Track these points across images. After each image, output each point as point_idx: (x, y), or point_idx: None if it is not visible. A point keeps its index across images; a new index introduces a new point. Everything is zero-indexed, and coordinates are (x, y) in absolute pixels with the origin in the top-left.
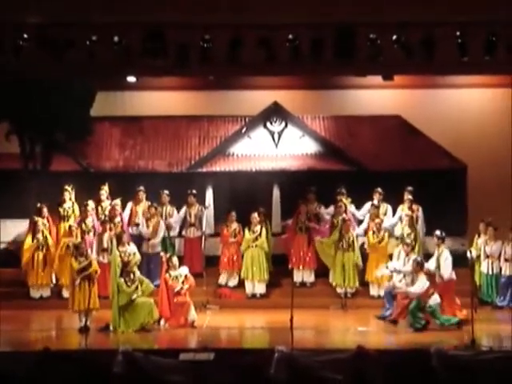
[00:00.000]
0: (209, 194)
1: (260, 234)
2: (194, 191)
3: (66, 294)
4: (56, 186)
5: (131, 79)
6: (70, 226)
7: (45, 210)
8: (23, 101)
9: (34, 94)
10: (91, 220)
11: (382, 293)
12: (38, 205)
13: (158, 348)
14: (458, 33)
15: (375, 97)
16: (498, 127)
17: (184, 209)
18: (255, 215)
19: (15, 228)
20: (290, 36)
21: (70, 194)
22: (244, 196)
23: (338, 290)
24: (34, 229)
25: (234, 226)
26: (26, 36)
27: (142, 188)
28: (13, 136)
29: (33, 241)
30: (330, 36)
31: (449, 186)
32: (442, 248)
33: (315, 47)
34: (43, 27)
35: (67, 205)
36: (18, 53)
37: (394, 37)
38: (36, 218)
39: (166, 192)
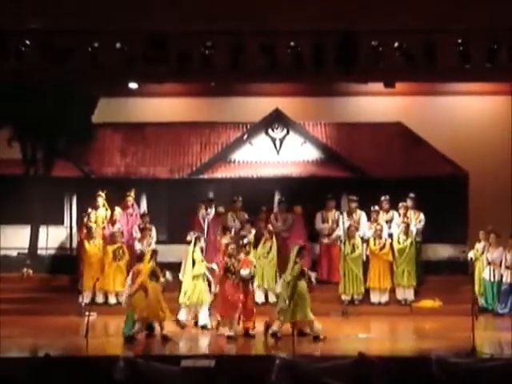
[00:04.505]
0: None
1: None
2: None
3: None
4: (57, 192)
5: (133, 85)
6: (113, 233)
7: (92, 215)
8: (25, 107)
9: (35, 100)
10: (120, 226)
11: (383, 300)
12: (88, 211)
13: (160, 354)
14: (459, 40)
15: (377, 104)
16: (499, 134)
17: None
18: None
19: (17, 234)
20: (292, 43)
21: (103, 200)
22: (245, 202)
23: (343, 298)
24: (88, 234)
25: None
26: (28, 42)
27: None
28: (15, 142)
29: (88, 246)
30: (331, 43)
31: (450, 193)
32: None
33: (317, 54)
34: (45, 34)
35: (101, 211)
36: (20, 59)
37: (396, 44)
38: (90, 225)
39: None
